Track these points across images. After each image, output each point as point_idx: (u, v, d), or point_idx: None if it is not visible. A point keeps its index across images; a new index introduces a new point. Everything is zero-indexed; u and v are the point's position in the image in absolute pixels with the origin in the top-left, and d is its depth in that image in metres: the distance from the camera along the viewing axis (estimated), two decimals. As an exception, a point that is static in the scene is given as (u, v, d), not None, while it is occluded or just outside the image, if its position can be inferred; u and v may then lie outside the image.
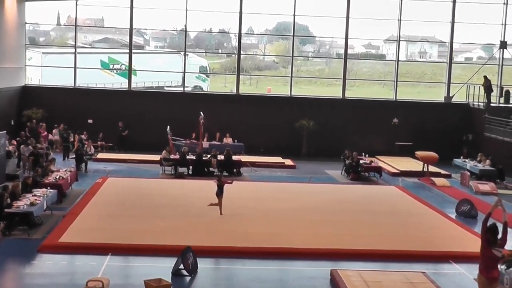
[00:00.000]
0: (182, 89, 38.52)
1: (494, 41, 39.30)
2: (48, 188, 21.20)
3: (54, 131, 34.18)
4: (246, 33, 39.98)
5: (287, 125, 36.27)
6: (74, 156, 29.97)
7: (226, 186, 21.78)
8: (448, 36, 38.72)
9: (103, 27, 41.75)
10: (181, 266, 15.35)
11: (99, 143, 34.96)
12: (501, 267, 15.61)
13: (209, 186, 26.67)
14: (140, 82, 39.22)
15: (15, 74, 35.63)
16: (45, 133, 33.89)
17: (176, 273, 15.32)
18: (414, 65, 45.27)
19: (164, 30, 42.39)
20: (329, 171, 32.24)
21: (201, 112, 32.05)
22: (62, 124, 34.12)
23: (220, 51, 45.03)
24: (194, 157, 29.89)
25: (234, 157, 30.85)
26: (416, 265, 16.94)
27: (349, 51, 39.24)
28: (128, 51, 37.80)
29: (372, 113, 37.40)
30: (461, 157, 33.55)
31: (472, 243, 19.35)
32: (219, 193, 21.62)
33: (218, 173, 29.91)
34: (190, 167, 29.74)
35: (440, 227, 21.40)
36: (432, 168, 31.98)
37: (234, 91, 38.09)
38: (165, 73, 40.13)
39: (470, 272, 16.37)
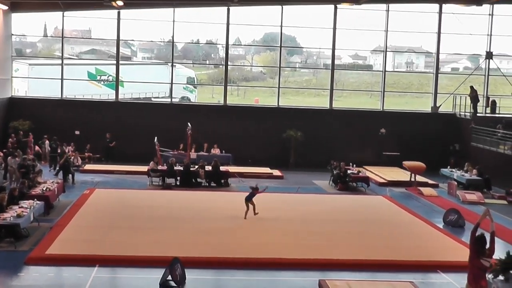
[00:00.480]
0: (169, 100, 38.50)
1: (480, 51, 39.56)
2: (35, 199, 21.09)
3: (46, 142, 33.94)
4: (233, 44, 40.04)
5: (275, 135, 36.31)
6: (58, 168, 29.92)
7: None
8: (434, 46, 38.97)
9: (90, 38, 41.66)
10: (169, 277, 15.28)
11: (86, 154, 34.85)
12: (489, 276, 15.67)
13: (197, 197, 26.77)
14: (127, 93, 39.14)
15: (1, 85, 35.50)
16: (30, 145, 33.72)
17: (164, 284, 15.24)
18: (401, 75, 45.44)
19: (152, 41, 42.36)
20: (317, 181, 32.28)
21: (189, 123, 32.04)
22: (47, 136, 33.96)
23: (207, 62, 45.03)
24: (181, 168, 29.85)
25: (222, 168, 30.84)
26: (403, 275, 16.93)
27: (336, 62, 39.37)
28: (115, 62, 37.77)
29: (360, 123, 37.53)
30: (448, 167, 33.67)
31: (460, 252, 19.41)
32: (248, 198, 22.68)
33: (206, 184, 29.95)
34: (178, 178, 29.70)
35: (428, 237, 21.44)
36: (420, 178, 32.09)
37: (222, 102, 38.10)
38: (152, 84, 40.06)
39: (457, 282, 16.41)
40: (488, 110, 37.42)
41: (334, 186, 30.93)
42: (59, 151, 32.45)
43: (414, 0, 38.28)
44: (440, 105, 38.52)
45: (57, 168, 30.36)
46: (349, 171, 31.13)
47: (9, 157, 28.27)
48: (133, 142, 35.07)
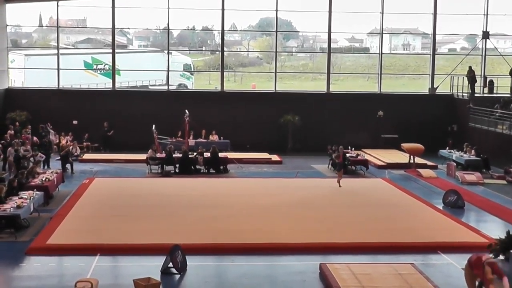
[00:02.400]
0: (166, 87, 38.45)
1: (476, 31, 39.45)
2: (35, 190, 21.12)
3: (52, 132, 33.69)
4: (229, 30, 39.87)
5: (273, 120, 36.27)
6: (59, 157, 29.85)
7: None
8: (431, 27, 38.85)
9: (86, 27, 41.51)
10: (170, 265, 15.33)
11: (84, 144, 34.80)
12: (489, 255, 15.70)
13: (196, 184, 26.80)
14: (124, 81, 39.04)
15: (-3, 77, 35.44)
16: (28, 135, 33.50)
17: (165, 271, 15.30)
18: (398, 57, 45.36)
19: (147, 29, 42.20)
20: (315, 166, 32.30)
21: (186, 110, 32.03)
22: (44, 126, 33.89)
23: (203, 48, 44.89)
24: (180, 156, 29.83)
25: (221, 154, 30.81)
26: (404, 257, 16.99)
27: (333, 45, 39.25)
28: (111, 51, 37.67)
29: (357, 106, 37.49)
30: (447, 148, 33.70)
31: (460, 233, 19.55)
32: (339, 168, 24.68)
33: (205, 171, 29.96)
34: (177, 165, 29.69)
35: (428, 218, 21.49)
36: (418, 160, 32.09)
37: (219, 88, 38.03)
38: (149, 72, 39.95)
39: (458, 262, 16.45)
40: (486, 90, 37.41)
41: (333, 170, 30.90)
42: (56, 141, 32.42)
43: (410, -19, 38.19)
44: (438, 86, 38.49)
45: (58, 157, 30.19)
46: (347, 155, 31.11)
47: (9, 148, 28.23)
48: (131, 131, 35.02)
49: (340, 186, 26.03)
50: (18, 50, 39.31)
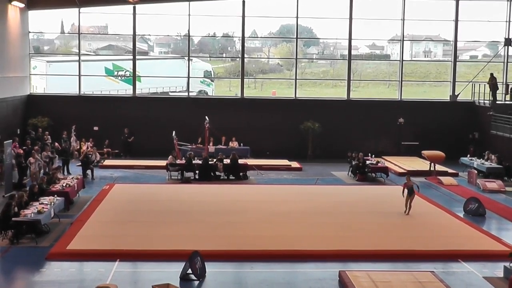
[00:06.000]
0: (186, 94, 38.55)
1: (498, 38, 39.20)
2: (55, 195, 21.28)
3: (73, 137, 33.84)
4: (249, 37, 39.93)
5: (293, 127, 36.24)
6: (80, 163, 29.98)
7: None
8: (452, 34, 38.64)
9: (107, 34, 41.76)
10: (189, 271, 15.34)
11: (105, 150, 34.98)
12: (510, 264, 15.59)
13: (216, 190, 26.82)
14: (144, 88, 39.22)
15: (20, 83, 35.71)
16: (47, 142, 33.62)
17: (184, 277, 15.32)
18: (419, 64, 45.16)
19: (168, 35, 42.36)
20: (335, 173, 32.21)
21: (206, 117, 32.08)
22: (66, 132, 34.16)
23: (224, 55, 45.00)
24: (200, 162, 29.89)
25: (240, 161, 30.83)
26: (424, 265, 16.91)
27: (353, 52, 39.20)
28: (132, 57, 37.87)
29: (378, 113, 37.35)
30: (468, 155, 33.48)
31: (481, 241, 19.36)
32: (409, 194, 22.57)
33: (225, 177, 29.97)
34: (197, 171, 29.74)
35: (448, 226, 21.34)
36: (439, 167, 31.92)
37: (239, 95, 38.07)
38: (169, 78, 40.10)
39: (478, 271, 16.35)
40: (508, 97, 37.13)
41: (353, 177, 30.83)
42: (77, 147, 32.63)
43: (431, -12, 38.05)
44: (459, 93, 38.24)
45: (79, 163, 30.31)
46: (368, 162, 31.02)
47: (29, 158, 28.26)
48: (151, 137, 35.18)
49: (407, 213, 22.77)
50: (40, 56, 39.62)
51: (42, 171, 27.84)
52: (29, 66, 37.51)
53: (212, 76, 42.88)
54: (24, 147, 30.42)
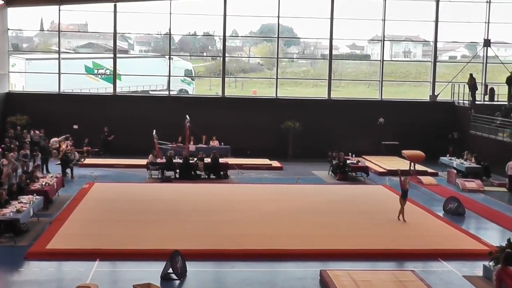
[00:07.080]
0: (167, 92, 38.42)
1: (478, 39, 39.47)
2: (34, 194, 21.07)
3: (54, 138, 33.40)
4: (230, 36, 39.87)
5: (273, 126, 36.24)
6: (59, 162, 29.74)
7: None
8: (432, 35, 38.83)
9: (87, 32, 41.55)
10: (170, 270, 15.29)
11: (85, 148, 34.75)
12: (489, 263, 15.70)
13: (196, 189, 26.77)
14: (125, 86, 39.03)
15: (-2, 80, 35.43)
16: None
17: (165, 277, 15.26)
18: (399, 64, 45.39)
19: (149, 34, 42.26)
20: (316, 172, 32.25)
21: (187, 116, 32.00)
22: (44, 130, 33.85)
23: (205, 54, 44.96)
24: (180, 161, 29.80)
25: (221, 160, 30.80)
26: (405, 264, 16.99)
27: (334, 52, 39.27)
28: (112, 55, 37.67)
29: (358, 113, 37.45)
30: (447, 155, 33.67)
31: (461, 240, 19.49)
32: (403, 198, 21.78)
33: (205, 176, 29.92)
34: (177, 170, 29.65)
35: (428, 225, 21.45)
36: (419, 167, 32.06)
37: (220, 94, 38.01)
38: (150, 77, 39.98)
39: (458, 270, 16.46)
40: (487, 97, 37.41)
41: (334, 176, 30.90)
42: (56, 146, 32.36)
43: (411, -12, 38.21)
44: (439, 93, 38.46)
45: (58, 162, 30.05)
46: (348, 161, 31.10)
47: (11, 154, 27.98)
48: (131, 136, 34.97)
49: (404, 220, 21.70)
50: (19, 54, 39.27)
51: (20, 170, 27.62)
52: (8, 63, 37.15)
53: (193, 75, 42.81)
54: (2, 145, 30.17)
